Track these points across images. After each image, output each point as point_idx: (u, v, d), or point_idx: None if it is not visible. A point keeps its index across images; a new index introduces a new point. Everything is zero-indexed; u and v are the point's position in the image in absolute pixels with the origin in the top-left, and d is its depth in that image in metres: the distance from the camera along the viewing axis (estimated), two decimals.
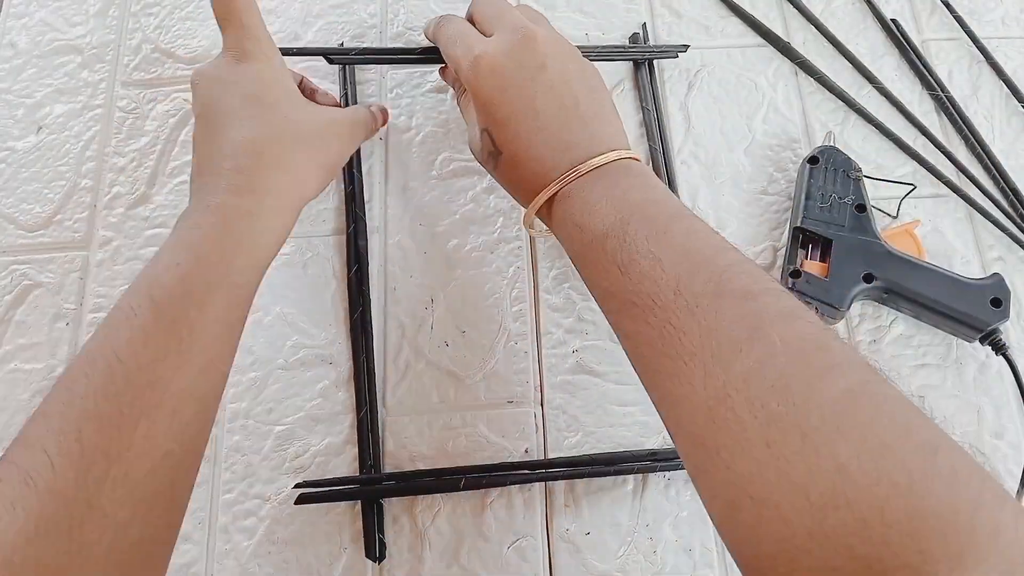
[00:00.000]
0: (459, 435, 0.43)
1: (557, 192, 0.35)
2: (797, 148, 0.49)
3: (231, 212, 0.33)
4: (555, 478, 0.41)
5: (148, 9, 0.54)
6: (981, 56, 0.52)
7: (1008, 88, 0.51)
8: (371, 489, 0.41)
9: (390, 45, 0.52)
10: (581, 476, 0.41)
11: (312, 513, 0.41)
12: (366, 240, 0.46)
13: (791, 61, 0.52)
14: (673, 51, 0.51)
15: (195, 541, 0.41)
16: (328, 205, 0.48)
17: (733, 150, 0.49)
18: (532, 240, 0.47)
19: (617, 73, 0.51)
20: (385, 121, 0.47)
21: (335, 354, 0.44)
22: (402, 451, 0.42)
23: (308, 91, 0.46)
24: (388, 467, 0.42)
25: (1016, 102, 0.51)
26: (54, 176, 0.49)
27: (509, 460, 0.41)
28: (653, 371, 0.29)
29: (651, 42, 0.52)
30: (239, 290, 0.33)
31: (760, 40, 0.53)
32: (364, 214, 0.47)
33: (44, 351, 0.45)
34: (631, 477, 0.41)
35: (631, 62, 0.52)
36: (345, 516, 0.41)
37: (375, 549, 0.39)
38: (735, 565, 0.40)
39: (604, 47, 0.51)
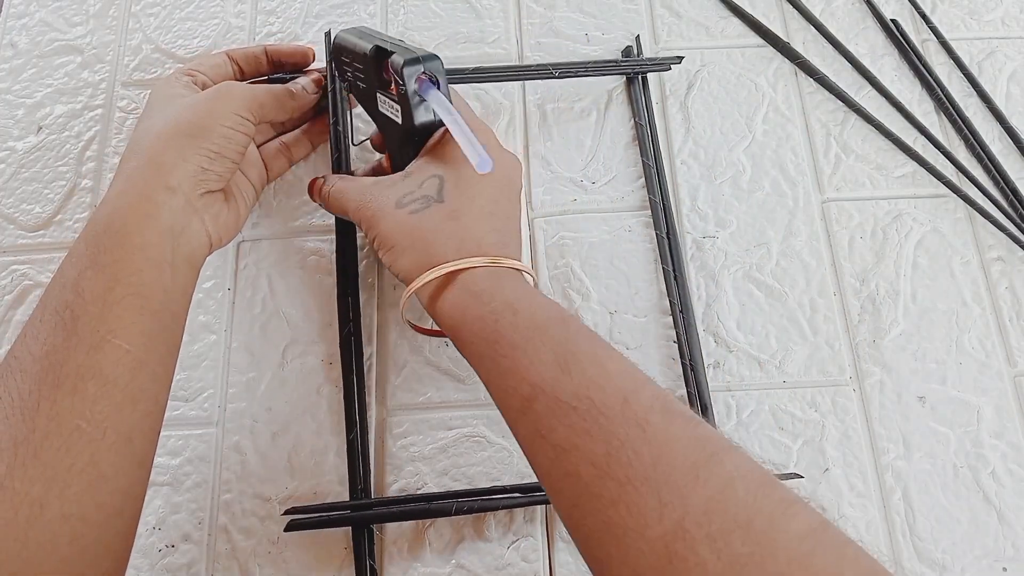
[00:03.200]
0: (459, 435, 0.43)
1: (489, 265, 0.34)
2: (797, 148, 0.49)
3: (103, 205, 0.36)
4: (547, 501, 0.41)
5: (148, 9, 0.54)
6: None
7: (970, 83, 0.51)
8: (361, 516, 0.40)
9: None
10: None
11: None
12: (356, 265, 0.46)
13: (791, 61, 0.52)
14: (666, 63, 0.51)
15: (195, 541, 0.41)
16: None
17: (733, 150, 0.49)
18: (532, 240, 0.47)
19: (605, 86, 0.51)
20: (317, 90, 0.47)
21: (335, 354, 0.44)
22: (402, 452, 0.42)
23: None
24: (388, 467, 0.42)
25: (1014, 102, 0.51)
26: (54, 176, 0.49)
27: (500, 484, 0.41)
28: (591, 496, 0.25)
29: (645, 54, 0.52)
30: (107, 268, 0.34)
31: (760, 40, 0.53)
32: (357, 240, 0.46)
33: None
34: None
35: (624, 76, 0.51)
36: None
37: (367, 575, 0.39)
38: None
39: (596, 63, 0.50)
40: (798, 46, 0.52)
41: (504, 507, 0.40)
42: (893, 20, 0.53)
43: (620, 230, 0.47)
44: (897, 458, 0.42)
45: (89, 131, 0.50)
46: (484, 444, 0.42)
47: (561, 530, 0.41)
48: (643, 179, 0.48)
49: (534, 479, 0.41)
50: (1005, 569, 0.40)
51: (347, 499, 0.41)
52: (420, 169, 0.39)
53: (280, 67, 0.48)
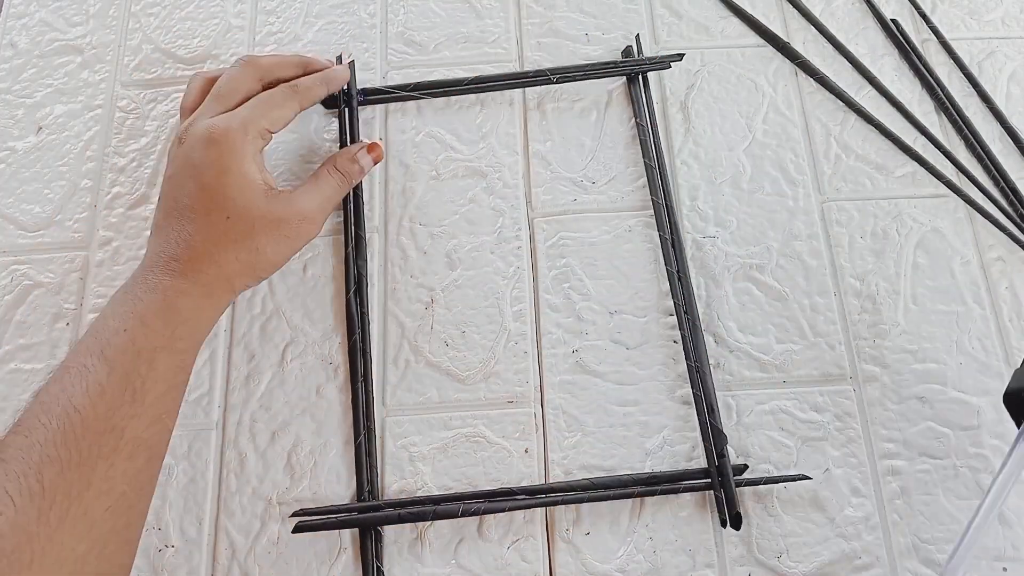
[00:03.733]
0: (459, 435, 0.43)
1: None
2: (797, 148, 0.49)
3: (170, 291, 0.37)
4: (554, 503, 0.41)
5: (148, 9, 0.54)
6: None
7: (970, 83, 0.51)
8: (370, 518, 0.40)
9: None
10: (580, 501, 0.41)
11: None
12: (365, 260, 0.46)
13: (791, 61, 0.52)
14: (667, 61, 0.51)
15: (195, 541, 0.41)
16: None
17: (733, 150, 0.49)
18: (532, 240, 0.47)
19: (605, 86, 0.51)
20: (376, 159, 0.47)
21: (335, 354, 0.44)
22: (402, 452, 0.42)
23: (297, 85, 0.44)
24: (388, 467, 0.42)
25: (1014, 102, 0.51)
26: (54, 176, 0.49)
27: (507, 487, 0.41)
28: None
29: (645, 53, 0.52)
30: (181, 355, 0.37)
31: (760, 40, 0.53)
32: (364, 232, 0.47)
33: (44, 351, 0.45)
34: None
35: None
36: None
37: None
38: (734, 566, 0.40)
39: (595, 65, 0.50)
40: (798, 46, 0.52)
41: (510, 509, 0.40)
42: (893, 20, 0.53)
43: (620, 230, 0.47)
44: (897, 458, 0.42)
45: (89, 131, 0.50)
46: (484, 444, 0.42)
47: (561, 530, 0.41)
48: (643, 179, 0.48)
49: (536, 480, 0.41)
50: (1005, 569, 0.40)
51: (350, 500, 0.41)
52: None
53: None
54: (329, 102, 0.49)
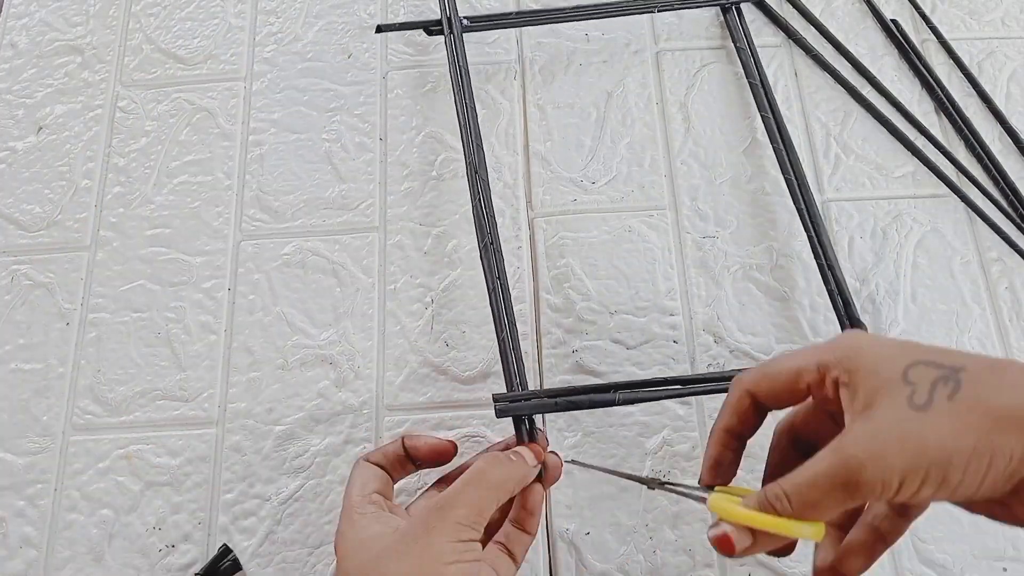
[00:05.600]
0: (458, 435, 0.43)
1: None
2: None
3: None
4: (705, 392, 0.40)
5: (148, 9, 0.54)
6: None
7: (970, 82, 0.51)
8: (567, 401, 0.38)
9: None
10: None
11: (312, 513, 0.41)
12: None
13: (806, 54, 0.52)
14: None
15: (195, 541, 0.41)
16: (329, 206, 0.48)
17: (733, 150, 0.49)
18: (532, 240, 0.47)
19: (604, 86, 0.51)
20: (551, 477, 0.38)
21: (335, 354, 0.44)
22: None
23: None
24: None
25: (1014, 102, 0.51)
26: (54, 176, 0.49)
27: (661, 376, 0.41)
28: None
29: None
30: None
31: (760, 40, 0.53)
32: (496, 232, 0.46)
33: (44, 351, 0.45)
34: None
35: (718, 8, 0.53)
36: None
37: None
38: (734, 566, 0.40)
39: None
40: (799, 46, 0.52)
41: (664, 398, 0.40)
42: (893, 20, 0.53)
43: (620, 230, 0.47)
44: None
45: (89, 131, 0.50)
46: (484, 444, 0.42)
47: (561, 530, 0.41)
48: (643, 179, 0.48)
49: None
50: (1005, 569, 0.40)
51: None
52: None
53: (421, 464, 0.39)
54: (435, 29, 0.49)
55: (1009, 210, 0.48)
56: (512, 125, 0.50)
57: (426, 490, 0.38)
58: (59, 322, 0.45)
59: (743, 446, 0.32)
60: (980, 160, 0.49)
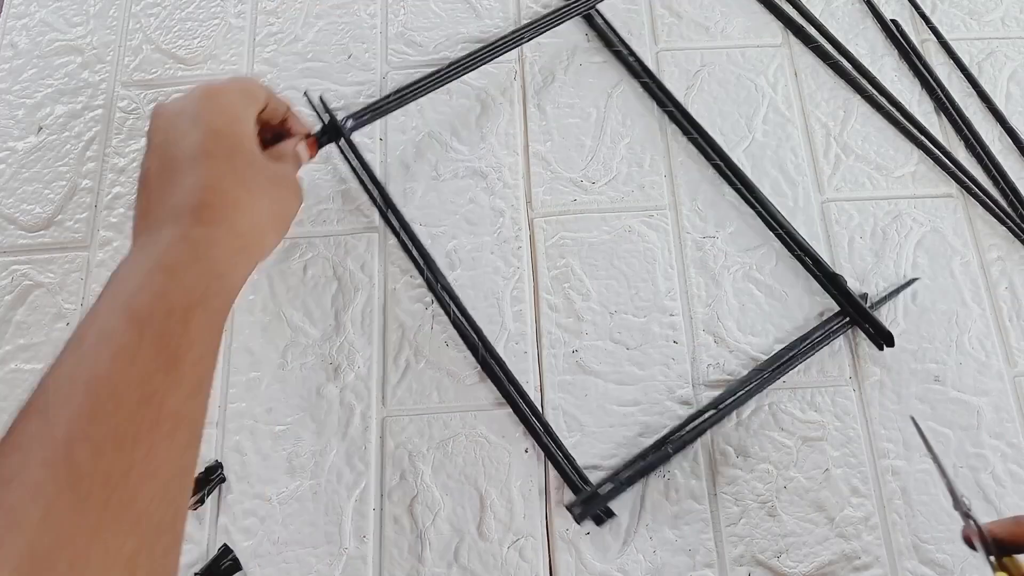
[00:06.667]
0: (459, 435, 0.43)
1: None
2: (797, 148, 0.49)
3: (201, 242, 0.31)
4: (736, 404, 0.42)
5: (148, 9, 0.54)
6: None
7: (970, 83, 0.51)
8: (626, 477, 0.42)
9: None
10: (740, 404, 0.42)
11: (312, 513, 0.41)
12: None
13: (806, 45, 0.52)
14: None
15: (195, 541, 0.41)
16: (328, 206, 0.48)
17: (733, 150, 0.49)
18: (532, 240, 0.47)
19: (604, 87, 0.51)
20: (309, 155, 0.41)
21: (335, 354, 0.44)
22: (402, 452, 0.42)
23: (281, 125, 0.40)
24: (388, 467, 0.42)
25: (1014, 102, 0.51)
26: (54, 176, 0.49)
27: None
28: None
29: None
30: (215, 315, 0.31)
31: (760, 41, 0.53)
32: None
33: (44, 351, 0.45)
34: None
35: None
36: (345, 516, 0.41)
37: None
38: (734, 566, 0.40)
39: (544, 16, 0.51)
40: (798, 46, 0.52)
41: (708, 428, 0.42)
42: (893, 20, 0.53)
43: (620, 230, 0.47)
44: (897, 458, 0.42)
45: (89, 131, 0.50)
46: (484, 444, 0.42)
47: (561, 530, 0.41)
48: (643, 180, 0.48)
49: (538, 481, 0.41)
50: None
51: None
52: None
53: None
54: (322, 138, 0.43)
55: (1009, 210, 0.48)
56: (512, 125, 0.50)
57: None
58: (59, 322, 0.45)
59: None
60: (980, 160, 0.49)
